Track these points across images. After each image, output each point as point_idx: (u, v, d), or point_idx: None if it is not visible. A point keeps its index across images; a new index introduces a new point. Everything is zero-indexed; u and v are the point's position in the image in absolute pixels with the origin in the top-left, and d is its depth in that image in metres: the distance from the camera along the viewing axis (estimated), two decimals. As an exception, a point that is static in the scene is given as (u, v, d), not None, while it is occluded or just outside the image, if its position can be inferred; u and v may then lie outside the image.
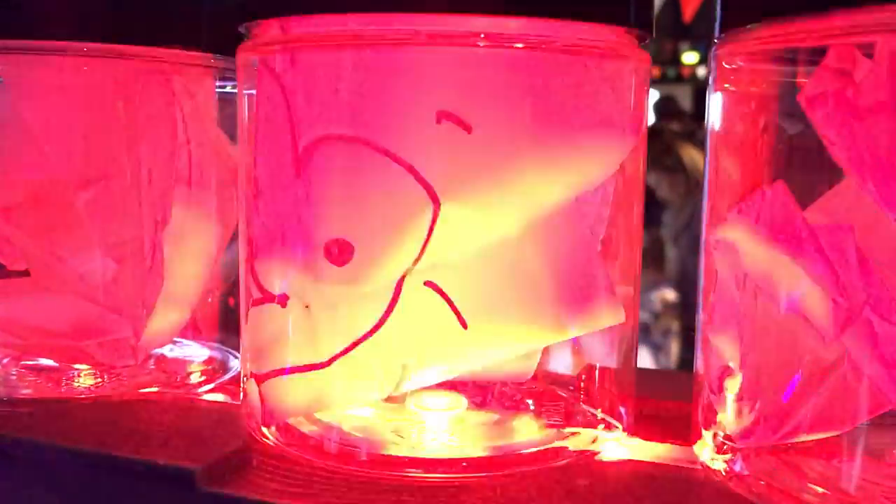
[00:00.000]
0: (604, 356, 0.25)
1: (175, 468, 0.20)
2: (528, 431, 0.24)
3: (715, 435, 0.22)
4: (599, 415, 0.25)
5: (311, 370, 0.23)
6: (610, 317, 0.25)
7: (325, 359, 0.23)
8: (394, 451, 0.23)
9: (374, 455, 0.22)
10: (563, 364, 0.26)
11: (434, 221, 0.22)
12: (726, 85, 0.21)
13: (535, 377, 0.25)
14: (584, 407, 0.25)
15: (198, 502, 0.20)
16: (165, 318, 0.28)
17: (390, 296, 0.22)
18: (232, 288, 0.30)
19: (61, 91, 0.24)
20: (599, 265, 0.25)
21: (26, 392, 0.27)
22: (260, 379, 0.24)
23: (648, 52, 0.23)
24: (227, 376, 0.29)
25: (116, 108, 0.25)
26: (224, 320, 0.31)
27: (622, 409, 0.25)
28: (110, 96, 0.25)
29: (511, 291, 0.24)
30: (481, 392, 0.26)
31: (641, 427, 0.25)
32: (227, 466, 0.21)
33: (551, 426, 0.24)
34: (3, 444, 0.23)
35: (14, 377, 0.28)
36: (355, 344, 0.23)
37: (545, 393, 0.26)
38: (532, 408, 0.25)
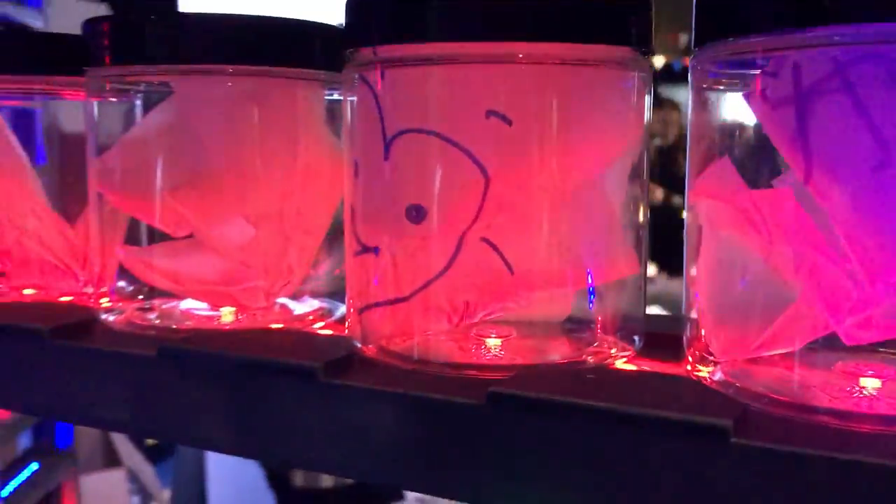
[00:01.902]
0: (620, 299, 0.32)
1: (301, 365, 0.29)
2: (559, 351, 0.32)
3: (699, 353, 0.29)
4: (616, 342, 0.32)
5: (396, 303, 0.31)
6: (627, 268, 0.32)
7: (407, 294, 0.31)
8: (458, 357, 0.31)
9: (447, 362, 0.30)
10: (589, 305, 0.33)
11: (486, 192, 0.30)
12: (703, 86, 0.28)
13: (568, 317, 0.33)
14: (605, 336, 0.32)
15: (321, 390, 0.29)
16: (291, 273, 0.37)
17: (455, 248, 0.30)
18: (338, 262, 0.38)
19: (218, 100, 0.33)
20: (618, 226, 0.32)
21: (188, 324, 0.36)
22: (360, 311, 0.32)
23: (649, 61, 0.30)
24: (334, 318, 0.38)
25: (254, 112, 0.34)
26: (332, 285, 0.40)
27: (635, 338, 0.32)
28: (250, 104, 0.33)
29: (548, 246, 0.31)
30: (527, 326, 0.34)
31: (647, 352, 0.32)
32: (339, 365, 0.29)
33: (577, 349, 0.32)
34: (179, 355, 0.32)
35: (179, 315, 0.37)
36: (428, 284, 0.31)
37: (576, 328, 0.33)
38: (565, 336, 0.33)
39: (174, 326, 0.35)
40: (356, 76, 0.31)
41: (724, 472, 0.23)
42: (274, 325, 0.36)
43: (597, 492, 0.25)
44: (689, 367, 0.29)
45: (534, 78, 0.29)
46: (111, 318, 0.36)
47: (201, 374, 0.31)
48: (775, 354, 0.29)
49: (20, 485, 1.11)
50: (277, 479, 1.79)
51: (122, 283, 0.37)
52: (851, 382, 0.27)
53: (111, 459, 2.80)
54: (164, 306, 0.38)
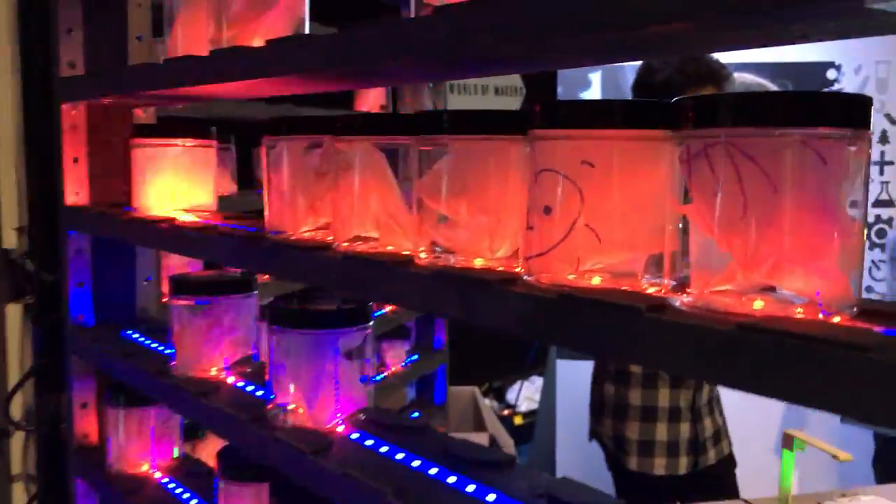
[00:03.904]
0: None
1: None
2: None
3: (675, 285, 0.56)
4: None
5: (540, 256, 0.62)
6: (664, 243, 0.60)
7: (545, 251, 0.61)
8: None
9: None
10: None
11: (582, 202, 0.59)
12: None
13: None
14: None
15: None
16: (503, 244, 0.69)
17: (568, 230, 0.60)
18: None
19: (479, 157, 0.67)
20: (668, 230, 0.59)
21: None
22: (527, 259, 0.63)
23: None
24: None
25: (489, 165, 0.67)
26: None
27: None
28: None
29: (617, 230, 0.60)
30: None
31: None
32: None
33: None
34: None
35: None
36: (553, 248, 0.61)
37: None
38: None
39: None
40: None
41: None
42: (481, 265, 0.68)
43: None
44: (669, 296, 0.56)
45: (590, 149, 0.58)
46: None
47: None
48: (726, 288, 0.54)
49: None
50: (615, 462, 2.06)
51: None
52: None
53: (478, 424, 3.33)
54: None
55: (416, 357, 2.59)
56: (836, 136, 0.48)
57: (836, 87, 3.40)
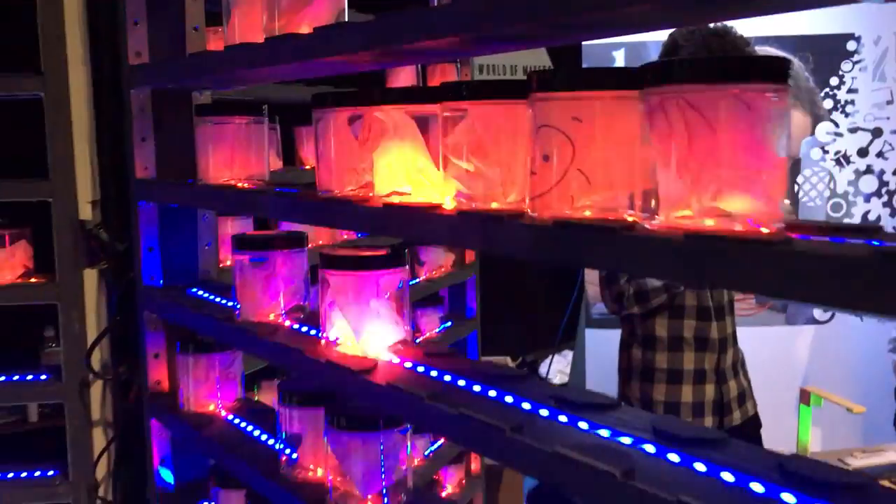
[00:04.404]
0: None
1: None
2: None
3: (647, 215, 0.71)
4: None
5: (542, 196, 0.77)
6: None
7: (546, 191, 0.77)
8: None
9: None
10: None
11: (574, 151, 0.74)
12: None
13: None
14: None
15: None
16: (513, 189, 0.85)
17: (563, 174, 0.76)
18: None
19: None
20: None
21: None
22: (532, 198, 0.79)
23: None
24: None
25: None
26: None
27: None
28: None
29: (602, 173, 0.75)
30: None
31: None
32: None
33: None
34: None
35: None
36: (551, 188, 0.76)
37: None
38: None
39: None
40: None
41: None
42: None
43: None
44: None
45: (578, 108, 0.73)
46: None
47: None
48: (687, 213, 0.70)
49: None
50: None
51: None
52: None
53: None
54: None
55: (449, 324, 2.76)
56: (761, 89, 0.63)
57: (855, 57, 3.48)
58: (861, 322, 3.50)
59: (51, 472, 1.72)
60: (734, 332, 2.16)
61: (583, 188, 0.75)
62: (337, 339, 1.09)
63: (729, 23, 1.96)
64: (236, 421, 1.43)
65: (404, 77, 2.44)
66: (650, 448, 0.72)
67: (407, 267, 1.09)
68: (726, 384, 2.11)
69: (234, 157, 1.34)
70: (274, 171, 1.82)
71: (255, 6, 1.17)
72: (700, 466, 0.69)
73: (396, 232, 0.94)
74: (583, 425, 0.78)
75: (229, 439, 1.36)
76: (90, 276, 1.68)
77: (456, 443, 0.92)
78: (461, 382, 0.94)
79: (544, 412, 0.83)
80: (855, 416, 3.35)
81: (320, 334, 1.12)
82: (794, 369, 3.47)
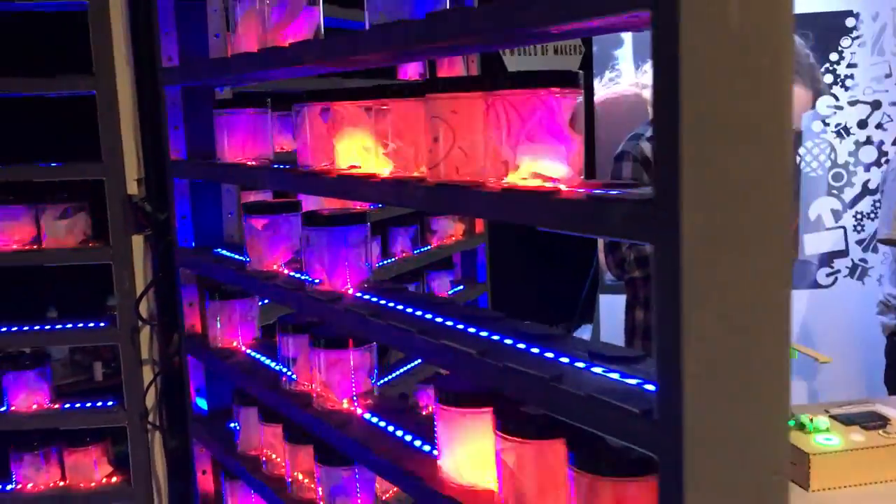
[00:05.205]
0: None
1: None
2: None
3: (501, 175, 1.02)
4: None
5: (435, 167, 1.09)
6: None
7: (437, 163, 1.09)
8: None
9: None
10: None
11: (454, 136, 1.06)
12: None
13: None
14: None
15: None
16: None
17: (448, 149, 1.07)
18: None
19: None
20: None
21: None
22: (430, 168, 1.10)
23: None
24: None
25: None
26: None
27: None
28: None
29: (473, 148, 1.06)
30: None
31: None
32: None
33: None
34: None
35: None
36: (440, 161, 1.08)
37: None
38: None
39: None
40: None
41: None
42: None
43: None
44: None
45: (451, 104, 1.05)
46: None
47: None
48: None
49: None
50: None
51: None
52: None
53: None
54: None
55: (461, 287, 3.07)
56: (556, 92, 0.94)
57: (854, 33, 3.67)
58: (863, 286, 3.72)
59: (110, 403, 2.11)
60: None
61: (461, 160, 1.07)
62: (314, 279, 1.42)
63: None
64: (252, 354, 1.78)
65: (412, 68, 2.76)
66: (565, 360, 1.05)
67: (368, 224, 1.42)
68: None
69: (244, 141, 1.68)
70: (288, 152, 2.16)
71: (252, 23, 1.50)
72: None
73: (350, 195, 1.27)
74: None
75: (246, 367, 1.71)
76: (137, 241, 2.05)
77: (382, 343, 1.25)
78: (400, 307, 1.27)
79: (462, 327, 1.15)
80: (857, 376, 3.56)
81: (306, 277, 1.45)
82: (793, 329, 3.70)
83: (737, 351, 0.77)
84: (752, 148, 0.75)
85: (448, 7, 1.08)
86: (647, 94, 3.48)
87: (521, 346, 1.02)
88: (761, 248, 0.77)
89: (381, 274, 2.37)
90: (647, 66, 2.63)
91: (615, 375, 0.89)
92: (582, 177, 0.97)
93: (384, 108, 1.17)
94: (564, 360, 0.96)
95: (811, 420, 1.78)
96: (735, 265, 0.76)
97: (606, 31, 0.99)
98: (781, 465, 0.81)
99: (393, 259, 2.62)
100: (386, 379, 2.25)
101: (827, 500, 1.59)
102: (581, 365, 0.94)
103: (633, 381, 0.87)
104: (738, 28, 0.73)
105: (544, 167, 0.95)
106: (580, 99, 0.95)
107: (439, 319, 1.17)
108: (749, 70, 0.74)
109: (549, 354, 0.98)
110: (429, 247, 2.86)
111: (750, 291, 0.77)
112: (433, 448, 1.18)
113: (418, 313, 1.22)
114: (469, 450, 1.08)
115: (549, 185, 0.96)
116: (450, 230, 2.97)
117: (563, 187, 0.95)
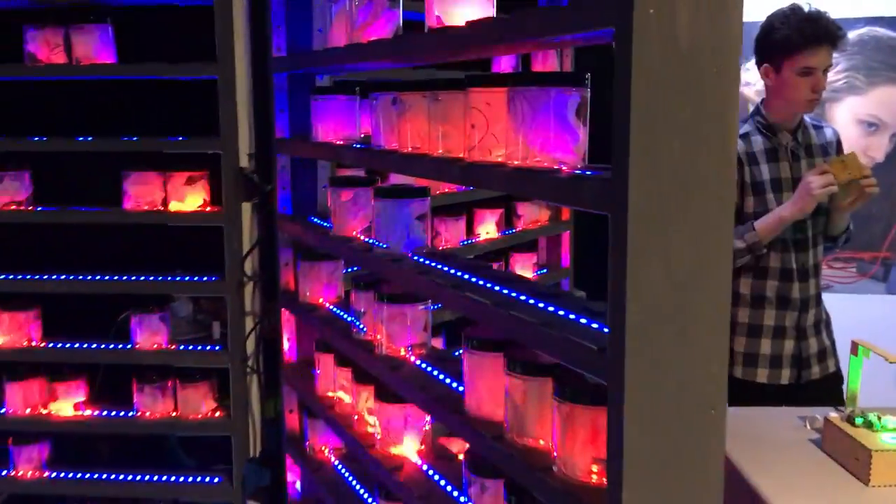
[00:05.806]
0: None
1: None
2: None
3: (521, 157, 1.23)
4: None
5: (474, 148, 1.31)
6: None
7: (475, 144, 1.30)
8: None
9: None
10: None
11: (487, 121, 1.27)
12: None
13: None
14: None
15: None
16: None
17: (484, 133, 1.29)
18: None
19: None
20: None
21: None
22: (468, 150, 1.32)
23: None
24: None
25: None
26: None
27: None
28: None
29: (504, 134, 1.28)
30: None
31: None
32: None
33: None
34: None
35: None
36: (478, 143, 1.29)
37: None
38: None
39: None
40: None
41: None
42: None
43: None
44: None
45: (486, 96, 1.26)
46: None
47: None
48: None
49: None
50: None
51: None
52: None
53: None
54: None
55: (544, 270, 3.25)
56: (565, 90, 1.13)
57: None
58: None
59: (217, 347, 2.44)
60: (818, 294, 2.33)
61: (493, 144, 1.28)
62: (381, 244, 1.66)
63: (822, 7, 2.19)
64: (333, 309, 2.04)
65: (505, 61, 2.96)
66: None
67: (427, 198, 1.64)
68: (806, 341, 2.29)
69: (335, 124, 1.94)
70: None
71: (343, 21, 1.75)
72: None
73: (408, 172, 1.51)
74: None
75: (327, 319, 1.98)
76: (246, 208, 2.36)
77: (422, 294, 1.50)
78: (452, 271, 1.49)
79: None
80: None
81: (375, 242, 1.69)
82: (888, 336, 3.69)
83: (679, 304, 0.95)
84: (695, 142, 0.93)
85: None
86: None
87: (531, 301, 1.23)
88: (703, 222, 0.95)
89: (464, 252, 2.58)
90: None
91: (595, 325, 1.09)
92: (585, 162, 1.16)
93: (438, 99, 1.39)
94: (561, 312, 1.16)
95: (879, 419, 1.83)
96: (678, 233, 0.94)
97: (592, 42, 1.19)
98: (717, 402, 0.99)
99: (476, 238, 2.82)
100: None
101: (884, 495, 1.65)
102: (572, 316, 1.14)
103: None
104: (687, 44, 0.91)
105: (553, 152, 1.15)
106: (586, 95, 1.15)
107: (473, 280, 1.39)
108: (695, 80, 0.92)
109: (550, 309, 1.18)
110: (513, 230, 3.05)
111: (691, 255, 0.95)
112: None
113: (459, 274, 1.44)
114: (486, 385, 1.30)
115: (555, 167, 1.15)
116: (535, 215, 3.15)
117: (565, 169, 1.14)
